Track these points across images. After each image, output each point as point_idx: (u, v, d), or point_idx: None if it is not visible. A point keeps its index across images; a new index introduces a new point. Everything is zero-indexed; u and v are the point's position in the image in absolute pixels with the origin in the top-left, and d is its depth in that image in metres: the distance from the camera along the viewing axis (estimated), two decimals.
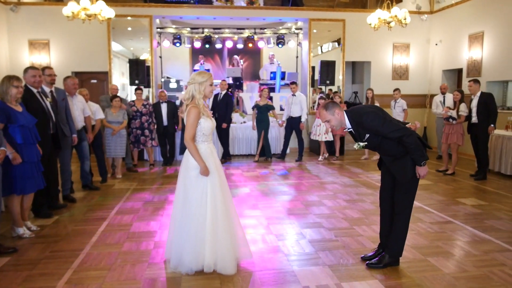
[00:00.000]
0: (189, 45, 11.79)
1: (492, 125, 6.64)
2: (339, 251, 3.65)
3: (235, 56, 11.62)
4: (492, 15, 8.47)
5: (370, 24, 7.88)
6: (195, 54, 12.34)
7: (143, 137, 7.56)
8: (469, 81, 6.94)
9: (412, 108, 10.59)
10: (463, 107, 6.95)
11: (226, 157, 8.42)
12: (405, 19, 7.26)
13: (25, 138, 3.92)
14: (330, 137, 8.66)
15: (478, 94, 6.77)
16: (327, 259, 3.49)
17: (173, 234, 3.19)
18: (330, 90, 10.52)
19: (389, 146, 3.10)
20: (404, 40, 10.53)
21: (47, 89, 4.81)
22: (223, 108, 8.15)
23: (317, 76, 11.05)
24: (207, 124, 3.08)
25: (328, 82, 9.87)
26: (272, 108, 8.49)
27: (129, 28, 10.03)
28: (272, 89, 11.07)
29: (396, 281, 3.08)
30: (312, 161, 8.64)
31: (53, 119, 4.63)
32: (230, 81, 10.72)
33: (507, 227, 4.34)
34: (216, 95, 8.27)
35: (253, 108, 8.56)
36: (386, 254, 3.28)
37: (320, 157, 8.75)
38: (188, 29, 11.61)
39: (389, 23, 7.49)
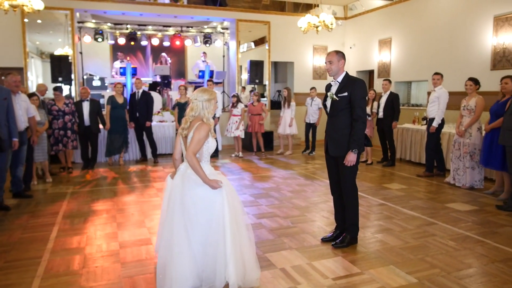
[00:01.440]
0: (113, 41, 11.27)
1: (395, 121, 7.69)
2: (301, 236, 4.01)
3: (163, 54, 11.42)
4: (398, 23, 9.66)
5: (300, 27, 8.43)
6: (117, 51, 11.83)
7: (66, 138, 7.06)
8: (384, 80, 7.90)
9: None
10: (376, 105, 7.96)
11: (145, 158, 8.26)
12: (331, 24, 7.95)
13: None
14: (242, 134, 8.79)
15: (388, 92, 7.77)
16: (292, 243, 3.81)
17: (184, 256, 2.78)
18: (243, 87, 11.18)
19: (345, 118, 3.55)
20: (323, 43, 11.42)
21: None
22: (144, 107, 7.96)
23: (243, 75, 11.42)
24: (213, 144, 2.96)
25: (257, 81, 10.27)
26: None
27: (39, 21, 9.20)
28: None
29: (356, 256, 3.52)
30: (246, 157, 8.96)
31: None
32: (158, 79, 10.54)
33: (427, 204, 5.14)
34: (133, 94, 8.09)
35: (173, 107, 8.39)
36: (347, 235, 3.72)
37: (233, 154, 8.96)
38: (109, 24, 11.11)
39: (317, 27, 8.11)
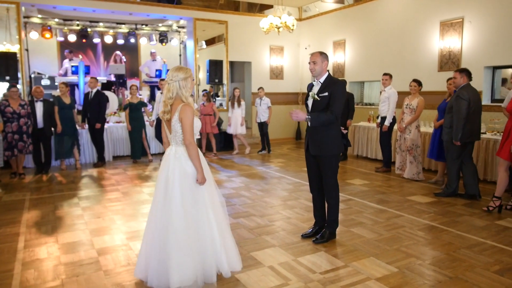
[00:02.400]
0: (62, 38, 10.64)
1: (350, 120, 8.12)
2: (280, 233, 4.10)
3: (118, 52, 10.99)
4: (352, 26, 10.10)
5: (262, 28, 8.53)
6: (64, 48, 11.19)
7: (22, 142, 6.62)
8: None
9: (287, 104, 11.85)
10: None
11: (99, 162, 7.89)
12: (293, 25, 8.12)
13: None
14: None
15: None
16: (274, 241, 3.89)
17: (166, 249, 2.80)
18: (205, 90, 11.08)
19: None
20: (279, 43, 11.63)
21: None
22: (96, 107, 7.63)
23: (201, 74, 11.32)
24: (198, 124, 2.95)
25: (216, 80, 10.24)
26: (145, 105, 8.23)
27: None
28: (158, 87, 10.89)
29: (337, 250, 3.68)
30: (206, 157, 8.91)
31: None
32: (113, 78, 10.15)
33: (391, 198, 5.46)
34: (87, 94, 7.78)
35: (125, 108, 8.07)
36: (327, 230, 3.86)
37: None
38: (57, 20, 10.50)
39: (278, 28, 8.26)
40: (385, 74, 7.09)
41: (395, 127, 7.41)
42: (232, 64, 12.40)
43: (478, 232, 4.12)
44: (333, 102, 3.61)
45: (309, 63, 3.76)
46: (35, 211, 4.91)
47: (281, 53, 11.82)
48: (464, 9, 7.43)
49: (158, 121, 8.14)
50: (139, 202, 5.33)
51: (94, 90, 7.73)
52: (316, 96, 3.68)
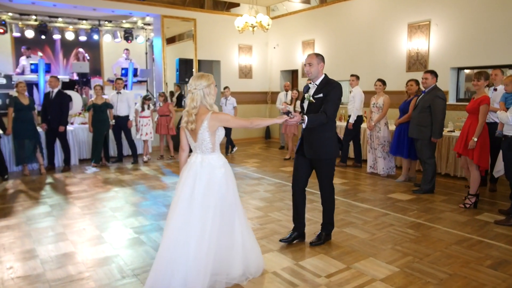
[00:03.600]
0: (19, 34, 9.91)
1: None
2: (274, 237, 4.05)
3: (80, 50, 10.41)
4: (321, 26, 10.23)
5: (238, 27, 8.41)
6: (19, 45, 10.45)
7: None
8: (308, 80, 8.34)
9: (256, 104, 11.85)
10: (299, 103, 8.42)
11: (65, 166, 7.46)
12: (268, 24, 8.08)
13: None
14: (148, 138, 8.16)
15: None
16: (271, 245, 3.83)
17: (197, 256, 2.75)
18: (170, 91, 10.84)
19: None
20: (248, 42, 11.56)
21: None
22: (57, 109, 7.17)
23: (169, 73, 11.00)
24: (222, 132, 2.98)
25: (187, 80, 9.98)
26: (111, 106, 7.78)
27: None
28: (124, 86, 10.47)
29: (335, 252, 3.68)
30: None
31: None
32: (75, 77, 9.62)
33: (374, 196, 5.58)
34: (48, 94, 7.29)
35: (88, 109, 7.62)
36: (323, 232, 3.86)
37: (144, 157, 8.30)
38: (11, 14, 9.78)
39: (254, 27, 8.18)
40: (352, 75, 7.41)
41: (364, 125, 7.65)
42: (199, 62, 12.19)
43: (462, 227, 4.30)
44: (327, 103, 3.57)
45: (305, 65, 3.68)
46: (3, 221, 4.52)
47: (250, 52, 11.76)
48: (431, 12, 7.74)
49: (117, 124, 7.82)
50: (117, 208, 5.07)
51: (56, 90, 7.24)
52: (311, 98, 3.65)
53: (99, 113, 7.59)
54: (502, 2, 6.71)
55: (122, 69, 10.40)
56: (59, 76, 8.72)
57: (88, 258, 3.56)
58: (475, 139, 4.80)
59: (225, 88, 9.13)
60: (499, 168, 5.12)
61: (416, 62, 8.08)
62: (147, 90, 10.84)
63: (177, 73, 10.02)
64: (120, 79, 8.05)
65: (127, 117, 7.91)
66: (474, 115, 4.91)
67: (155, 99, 9.37)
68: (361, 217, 4.67)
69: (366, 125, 7.07)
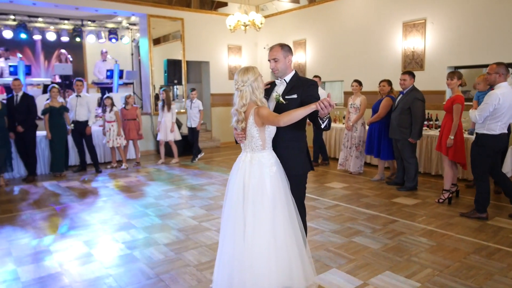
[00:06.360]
0: None
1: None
2: None
3: (63, 51, 9.91)
4: (312, 26, 9.99)
5: (230, 26, 8.09)
6: None
7: None
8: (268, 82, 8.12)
9: None
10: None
11: (29, 176, 6.92)
12: (261, 23, 7.79)
13: None
14: (121, 142, 7.70)
15: None
16: None
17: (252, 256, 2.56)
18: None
19: (292, 126, 2.63)
20: (237, 42, 11.25)
21: None
22: (25, 112, 6.67)
23: (156, 74, 10.61)
24: (274, 128, 2.71)
25: (176, 81, 9.63)
26: (67, 110, 7.20)
27: None
28: (109, 89, 10.05)
29: (350, 265, 3.40)
30: (150, 166, 8.30)
31: None
32: (58, 79, 9.15)
33: (378, 201, 5.34)
34: (11, 98, 6.72)
35: (44, 113, 6.96)
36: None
37: (123, 164, 7.83)
38: None
39: (246, 25, 7.88)
40: (355, 81, 7.20)
41: (337, 125, 7.71)
42: (187, 63, 11.82)
43: (476, 234, 4.08)
44: (308, 100, 2.73)
45: (269, 60, 2.89)
46: None
47: (239, 53, 11.45)
48: (426, 10, 7.58)
49: (76, 130, 7.28)
50: (106, 220, 4.70)
51: (20, 94, 6.72)
52: (281, 99, 2.77)
53: (56, 117, 7.00)
54: None
55: (107, 71, 9.94)
56: (40, 79, 8.27)
57: (77, 280, 3.19)
58: (452, 137, 4.95)
59: (192, 90, 8.41)
60: (508, 170, 4.98)
61: (412, 61, 7.91)
62: (134, 93, 10.42)
63: (165, 74, 9.63)
64: (80, 80, 7.42)
65: (86, 122, 7.31)
66: (449, 114, 5.06)
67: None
68: (369, 225, 4.41)
69: (344, 125, 7.21)
